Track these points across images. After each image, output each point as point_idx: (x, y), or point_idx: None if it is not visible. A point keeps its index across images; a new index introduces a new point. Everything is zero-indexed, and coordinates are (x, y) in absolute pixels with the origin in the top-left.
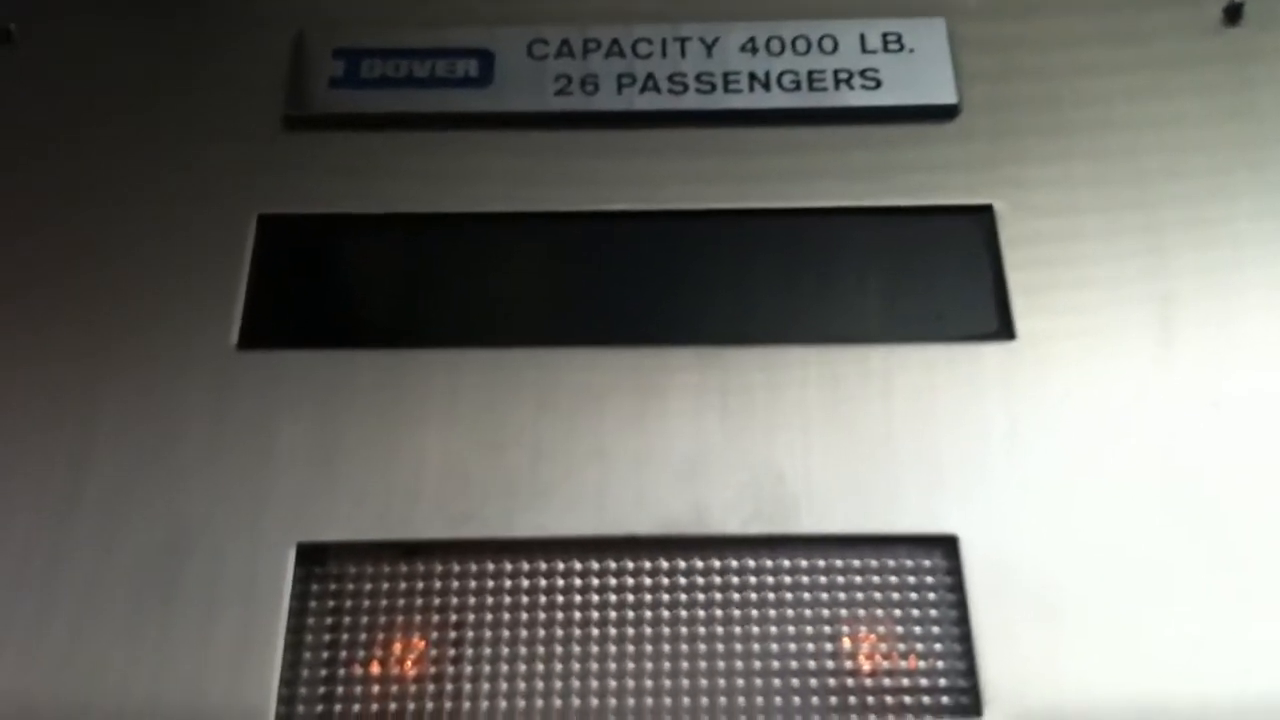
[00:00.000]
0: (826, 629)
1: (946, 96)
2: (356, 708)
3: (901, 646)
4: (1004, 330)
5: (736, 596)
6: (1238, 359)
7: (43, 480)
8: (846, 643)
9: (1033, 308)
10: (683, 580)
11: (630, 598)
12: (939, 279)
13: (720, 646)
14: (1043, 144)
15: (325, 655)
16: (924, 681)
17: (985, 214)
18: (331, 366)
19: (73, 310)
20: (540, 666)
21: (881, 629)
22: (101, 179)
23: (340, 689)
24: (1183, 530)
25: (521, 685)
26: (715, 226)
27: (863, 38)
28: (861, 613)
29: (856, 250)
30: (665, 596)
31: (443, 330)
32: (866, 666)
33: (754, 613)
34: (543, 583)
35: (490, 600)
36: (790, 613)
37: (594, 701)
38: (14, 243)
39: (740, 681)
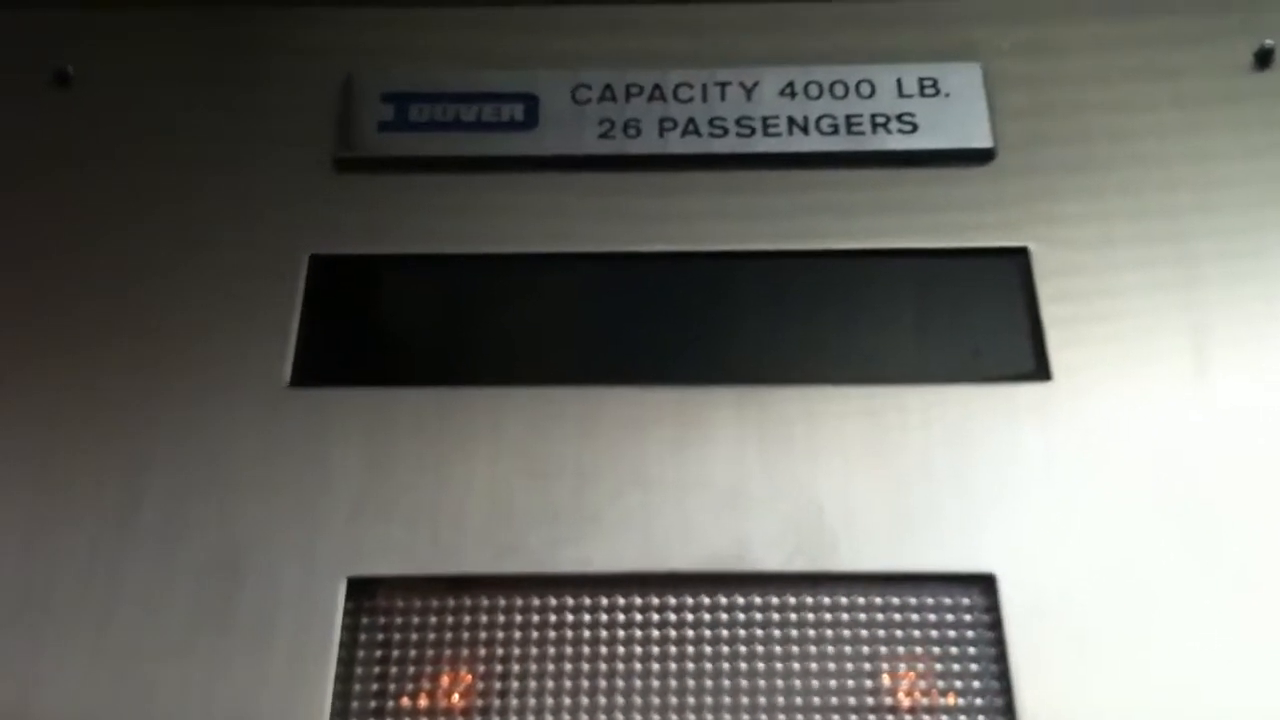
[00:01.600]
0: (866, 666)
1: (982, 140)
2: None
3: (941, 684)
4: (1040, 370)
5: (777, 633)
6: (1275, 391)
7: (100, 510)
8: (886, 679)
9: (1068, 347)
10: (724, 616)
11: (673, 633)
12: (975, 320)
13: (761, 683)
14: (1077, 185)
15: (375, 687)
16: (963, 719)
17: (1021, 256)
18: (380, 403)
19: (130, 347)
20: (585, 700)
21: (920, 666)
22: (156, 219)
23: None
24: (1223, 567)
25: (566, 719)
26: (754, 268)
27: (899, 82)
28: (901, 650)
29: (893, 292)
30: (707, 632)
31: (488, 368)
32: (906, 703)
33: (794, 649)
34: (586, 618)
35: (535, 634)
36: (830, 649)
37: None
38: (71, 281)
39: (782, 717)
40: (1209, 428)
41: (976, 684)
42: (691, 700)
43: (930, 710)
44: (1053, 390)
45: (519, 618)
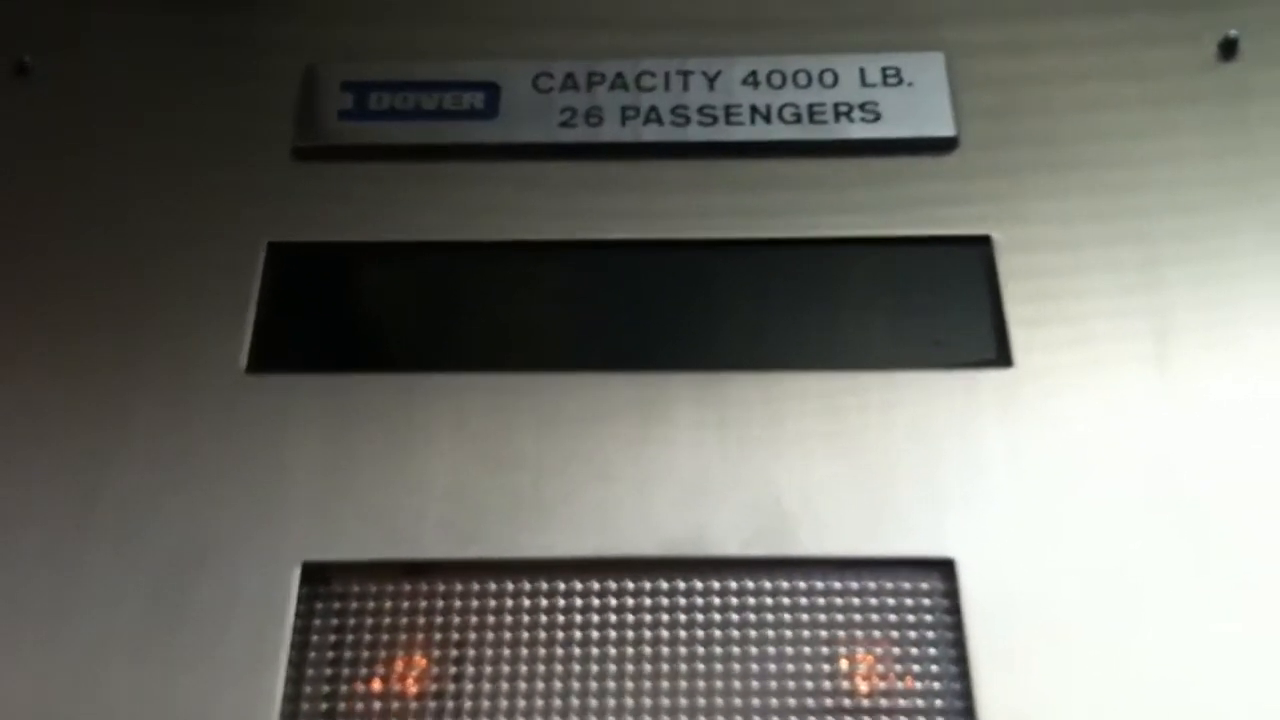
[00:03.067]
0: (825, 650)
1: (945, 129)
2: None
3: (899, 668)
4: (1002, 358)
5: (736, 618)
6: (1236, 382)
7: (54, 497)
8: (844, 664)
9: (1030, 335)
10: (682, 601)
11: (630, 618)
12: (938, 308)
13: (719, 667)
14: (1041, 175)
15: (329, 672)
16: (921, 703)
17: (984, 244)
18: (338, 390)
19: (86, 333)
20: (541, 685)
21: (879, 650)
22: (114, 207)
23: (342, 705)
24: (1181, 554)
25: (522, 704)
26: (717, 256)
27: (862, 72)
28: (859, 634)
29: (856, 279)
30: (665, 617)
31: (447, 355)
32: (864, 688)
33: (753, 633)
34: (544, 602)
35: (492, 619)
36: (789, 634)
37: None
38: (26, 268)
39: (738, 701)
40: (1169, 415)
41: (935, 668)
42: (648, 685)
43: (888, 694)
44: (1014, 377)
45: (475, 603)
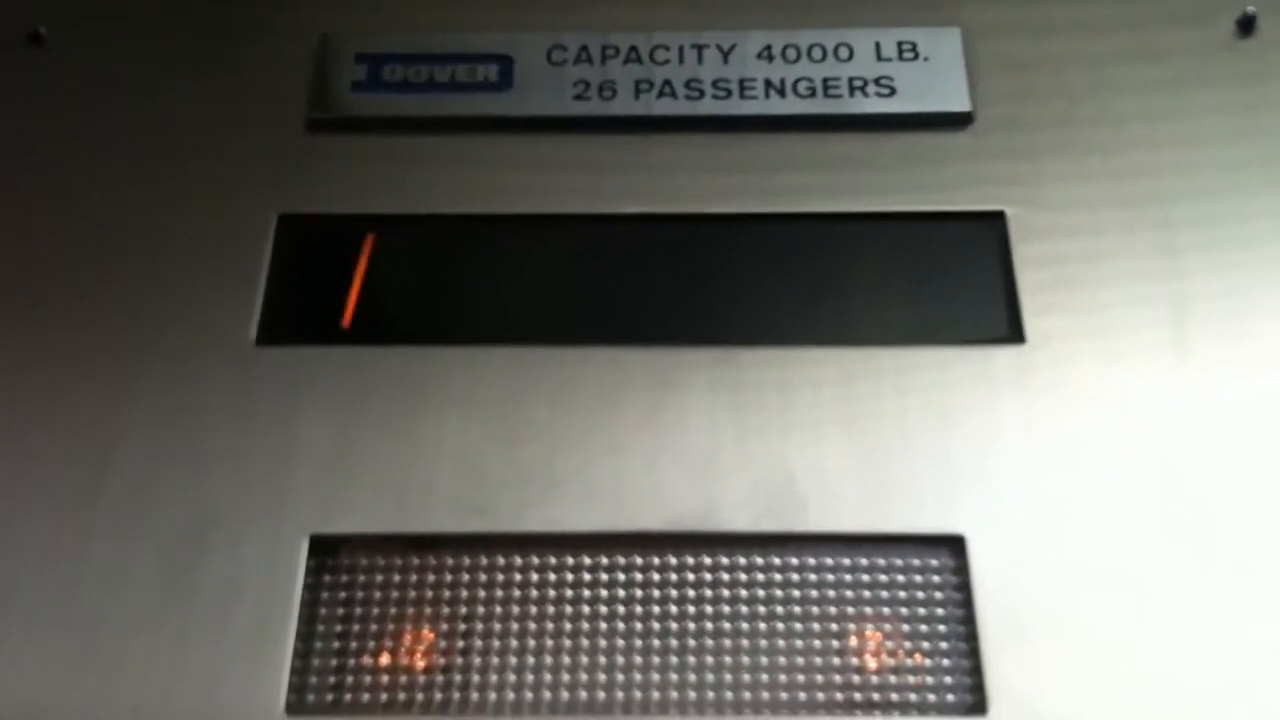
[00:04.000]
0: (834, 626)
1: (960, 104)
2: (366, 697)
3: (908, 645)
4: (1014, 334)
5: (745, 593)
6: (1251, 362)
7: (64, 469)
8: (853, 640)
9: (1043, 312)
10: (692, 576)
11: (639, 593)
12: (951, 283)
13: (728, 642)
14: (1056, 152)
15: (336, 645)
16: (930, 679)
17: (997, 220)
18: (349, 362)
19: (95, 305)
20: (549, 659)
21: (888, 627)
22: (127, 178)
23: (350, 678)
24: (1191, 533)
25: (530, 678)
26: (730, 230)
27: (878, 46)
28: (869, 610)
29: (870, 254)
30: (674, 592)
31: (459, 328)
32: (873, 664)
33: (763, 609)
34: (552, 577)
35: (500, 593)
36: (798, 610)
37: (601, 695)
38: (39, 239)
39: (747, 676)
40: (1184, 392)
41: (944, 645)
42: (656, 660)
43: (897, 671)
44: (1027, 354)
45: (483, 576)
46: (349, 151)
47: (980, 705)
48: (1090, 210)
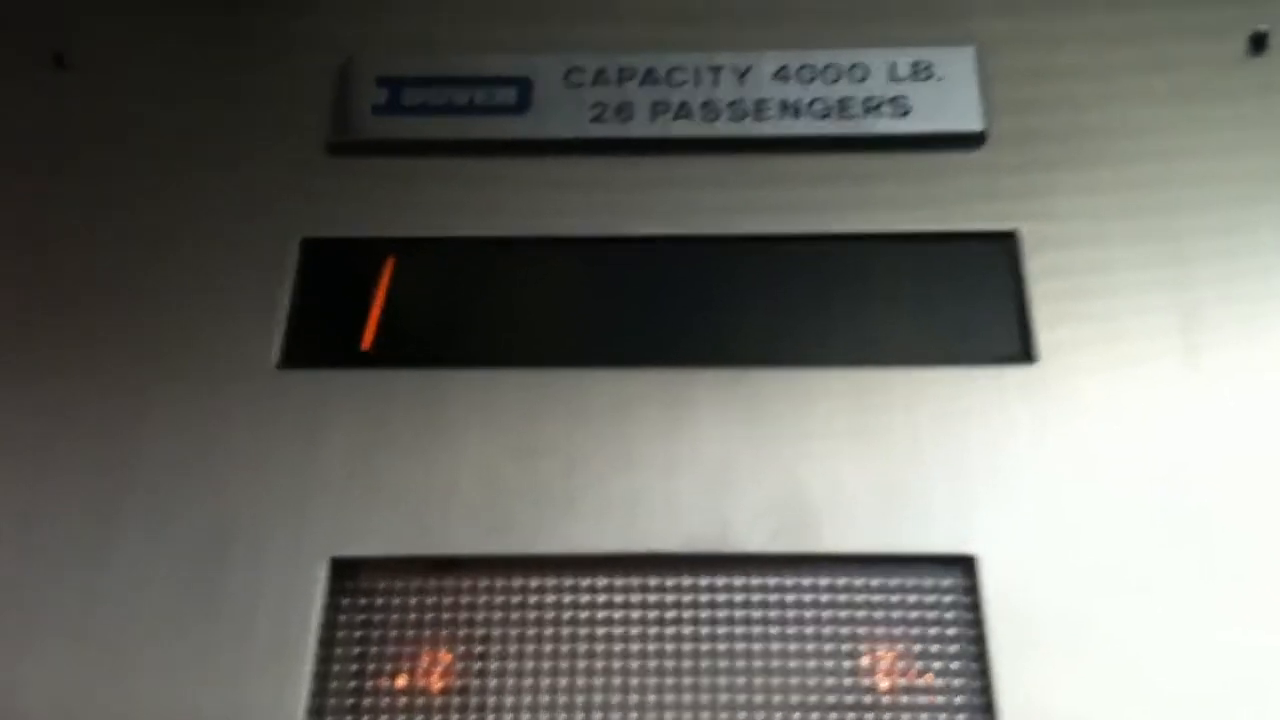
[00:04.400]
0: (846, 646)
1: (974, 124)
2: (384, 718)
3: (920, 664)
4: (1026, 352)
5: (758, 614)
6: (1262, 370)
7: (88, 489)
8: (865, 659)
9: (1055, 331)
10: (705, 598)
11: (654, 614)
12: (964, 302)
13: (741, 663)
14: (1068, 171)
15: (354, 668)
16: (940, 699)
17: (1010, 240)
18: (370, 385)
19: (122, 326)
20: (564, 681)
21: (900, 647)
22: (151, 200)
23: (368, 700)
24: (1204, 552)
25: (545, 699)
26: (746, 251)
27: (893, 66)
28: (880, 630)
29: (884, 274)
30: (688, 613)
31: (478, 350)
32: (885, 684)
33: (775, 629)
34: (568, 598)
35: (516, 615)
36: (810, 630)
37: (616, 716)
38: (64, 262)
39: (760, 697)
40: (1196, 411)
41: (955, 664)
42: (670, 680)
43: (909, 690)
44: (1038, 373)
45: (500, 598)
46: (370, 174)
47: None
48: (1102, 229)
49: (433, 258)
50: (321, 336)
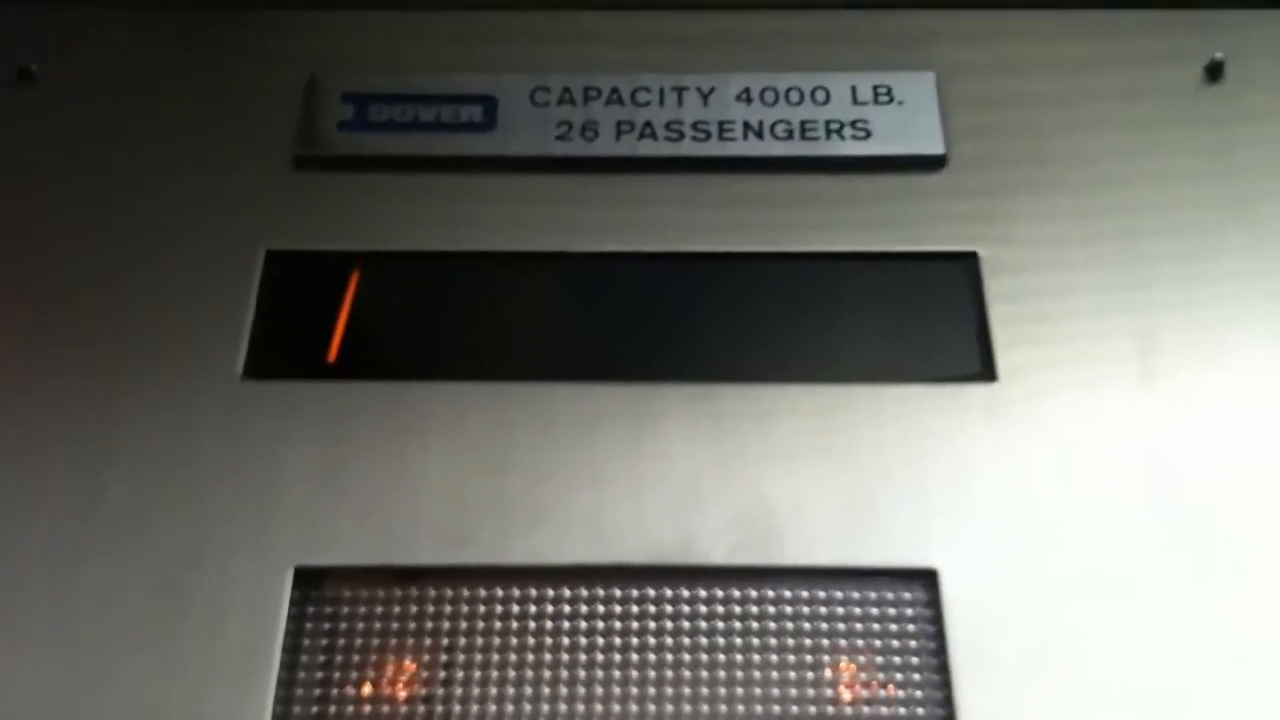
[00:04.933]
0: (809, 658)
1: (934, 147)
2: None
3: (881, 676)
4: (987, 371)
5: (721, 625)
6: (1219, 401)
7: (53, 499)
8: (828, 672)
9: (1014, 349)
10: (669, 609)
11: (618, 624)
12: (925, 322)
13: (705, 674)
14: (1027, 195)
15: (319, 675)
16: (903, 711)
17: (970, 260)
18: (335, 396)
19: (83, 338)
20: (529, 690)
21: (862, 659)
22: (114, 214)
23: (333, 709)
24: (1165, 567)
25: (510, 709)
26: (709, 269)
27: (854, 89)
28: (843, 643)
29: (845, 294)
30: (652, 624)
31: (443, 363)
32: (847, 695)
33: (739, 640)
34: (533, 609)
35: (482, 625)
36: (774, 641)
37: None
38: (28, 272)
39: (724, 708)
40: (1153, 430)
41: (917, 677)
42: (635, 691)
43: (870, 702)
44: (999, 391)
45: (465, 608)
46: (335, 188)
47: None
48: (1061, 251)
49: (398, 271)
50: (287, 348)
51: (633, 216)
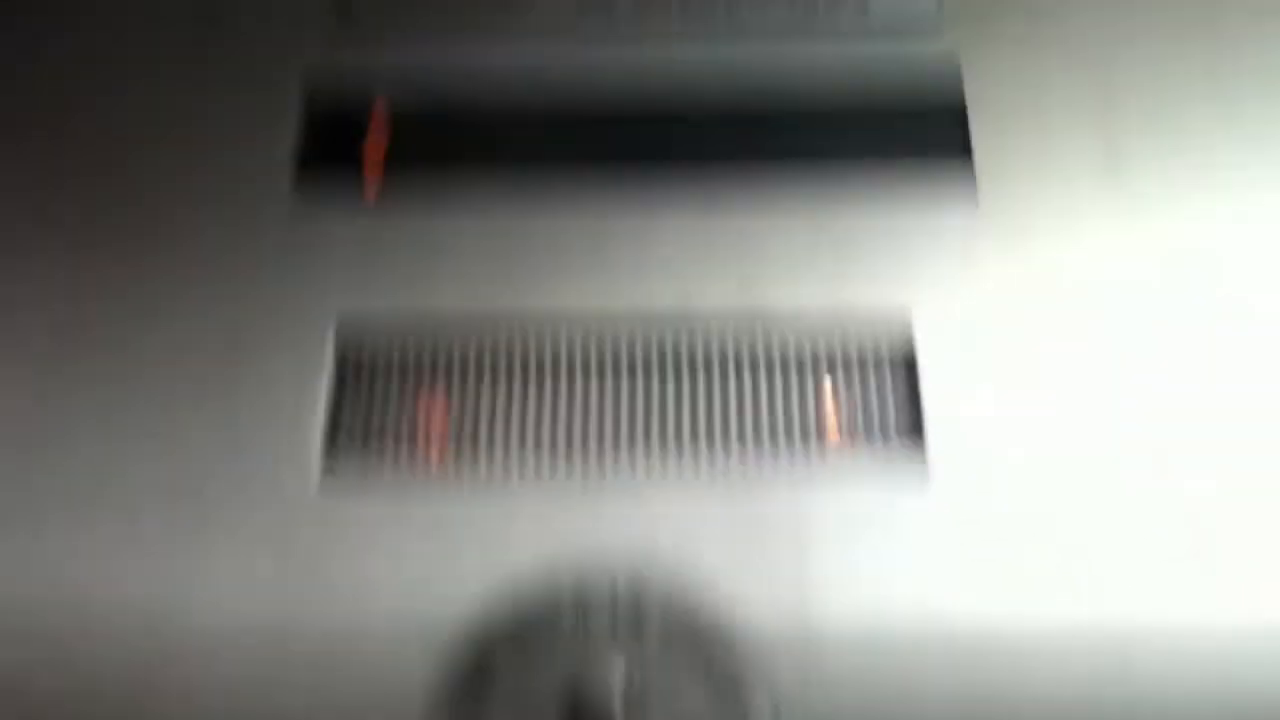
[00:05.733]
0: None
1: None
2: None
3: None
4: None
5: (717, 359)
6: (1184, 200)
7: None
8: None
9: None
10: (669, 347)
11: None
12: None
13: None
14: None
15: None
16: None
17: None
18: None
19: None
20: (562, 424)
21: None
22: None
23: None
24: (1117, 344)
25: (528, 434)
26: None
27: None
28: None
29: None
30: (656, 356)
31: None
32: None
33: (731, 369)
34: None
35: (504, 362)
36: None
37: (593, 447)
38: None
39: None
40: (1115, 226)
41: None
42: (640, 417)
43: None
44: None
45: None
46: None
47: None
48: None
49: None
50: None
51: None
